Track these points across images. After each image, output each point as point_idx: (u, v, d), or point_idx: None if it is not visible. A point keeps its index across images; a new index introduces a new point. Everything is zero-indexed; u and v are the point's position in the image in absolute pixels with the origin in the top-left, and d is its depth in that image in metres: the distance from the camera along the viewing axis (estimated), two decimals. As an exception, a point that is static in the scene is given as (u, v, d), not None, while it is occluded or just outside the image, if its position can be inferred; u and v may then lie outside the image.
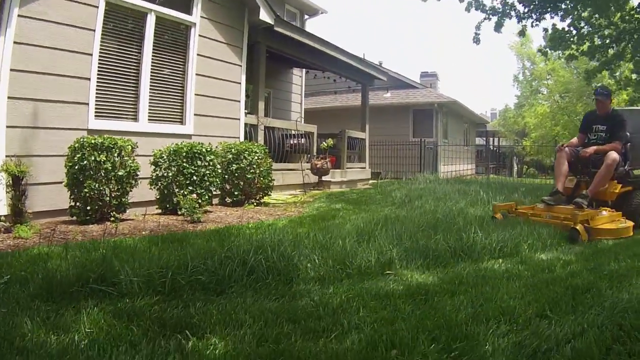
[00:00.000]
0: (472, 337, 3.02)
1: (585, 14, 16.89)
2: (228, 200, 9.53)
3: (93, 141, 6.90)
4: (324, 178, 14.22)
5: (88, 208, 6.89)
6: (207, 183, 8.32)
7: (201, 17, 10.00)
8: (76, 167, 6.77)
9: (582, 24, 17.40)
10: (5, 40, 6.79)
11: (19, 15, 6.94)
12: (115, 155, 7.04)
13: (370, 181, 18.45)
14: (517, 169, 39.14)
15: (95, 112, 8.01)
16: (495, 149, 40.39)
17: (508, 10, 17.20)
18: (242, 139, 11.06)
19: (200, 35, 9.99)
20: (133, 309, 3.37)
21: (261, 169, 9.62)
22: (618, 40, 17.33)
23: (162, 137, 8.95)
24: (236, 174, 9.39)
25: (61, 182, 6.99)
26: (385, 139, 24.04)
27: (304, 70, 19.66)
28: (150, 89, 9.03)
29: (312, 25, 41.51)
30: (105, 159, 6.87)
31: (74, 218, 7.04)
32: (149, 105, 9.00)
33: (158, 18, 9.14)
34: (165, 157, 8.06)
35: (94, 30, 7.93)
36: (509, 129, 42.69)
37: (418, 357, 2.77)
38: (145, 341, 2.89)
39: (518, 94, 44.75)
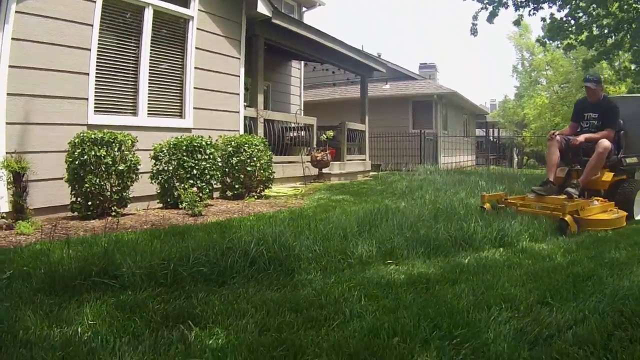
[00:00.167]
0: (473, 324, 3.04)
1: (583, 4, 16.86)
2: (229, 193, 9.53)
3: (93, 136, 6.91)
4: (324, 170, 14.23)
5: (89, 203, 6.90)
6: (208, 176, 8.33)
7: (199, 10, 9.98)
8: (76, 163, 6.78)
9: (581, 14, 17.37)
10: (3, 37, 6.78)
11: (16, 12, 6.93)
12: (116, 149, 7.05)
13: (371, 173, 18.46)
14: (517, 160, 39.14)
15: (95, 107, 8.01)
16: (495, 140, 40.33)
17: (505, 0, 17.16)
18: (241, 132, 11.05)
19: (198, 29, 9.97)
20: (135, 301, 3.38)
21: (261, 161, 9.62)
22: (617, 29, 17.29)
23: (162, 131, 8.95)
24: (236, 167, 9.39)
25: (62, 178, 7.00)
26: (385, 131, 24.05)
27: (302, 62, 19.62)
28: (149, 83, 9.02)
29: (310, 17, 41.41)
30: (105, 153, 6.87)
31: (75, 214, 7.06)
32: (148, 100, 8.99)
33: (156, 12, 9.12)
34: (165, 151, 8.07)
35: (92, 25, 7.91)
36: (509, 120, 42.59)
37: (420, 344, 2.78)
38: (148, 332, 2.90)
39: (517, 84, 44.69)
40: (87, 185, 6.76)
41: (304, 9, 20.34)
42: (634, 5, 16.52)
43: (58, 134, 7.33)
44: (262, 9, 11.19)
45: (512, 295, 3.61)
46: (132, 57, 8.81)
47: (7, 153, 6.65)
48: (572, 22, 17.48)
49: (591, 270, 4.39)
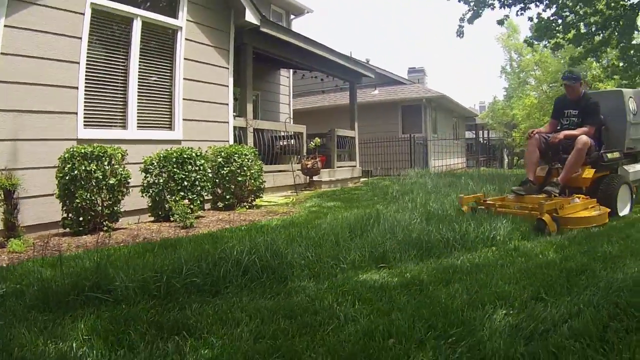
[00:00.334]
0: (468, 323, 3.05)
1: (569, 3, 16.94)
2: (220, 204, 9.51)
3: (83, 150, 6.88)
4: (315, 178, 14.24)
5: (80, 219, 6.87)
6: (199, 188, 8.31)
7: (187, 20, 10.00)
8: (67, 178, 6.75)
9: (567, 12, 17.45)
10: (-8, 52, 6.79)
11: (5, 26, 6.92)
12: (106, 163, 7.02)
13: (362, 179, 18.46)
14: (507, 161, 39.26)
15: (84, 121, 7.99)
16: (485, 141, 40.47)
17: (491, 1, 17.20)
18: (231, 142, 11.04)
19: (186, 39, 9.99)
20: (129, 314, 3.37)
21: (252, 171, 9.61)
22: (604, 27, 17.36)
23: (152, 143, 8.93)
24: (227, 178, 9.38)
25: (52, 194, 6.96)
26: (374, 137, 24.10)
27: (291, 70, 19.66)
28: (139, 95, 9.01)
29: (299, 25, 41.55)
30: (95, 168, 6.85)
31: (67, 230, 7.02)
32: (138, 112, 8.99)
33: (144, 23, 9.13)
34: (155, 164, 8.05)
35: (81, 38, 7.90)
36: (498, 121, 42.72)
37: (415, 344, 2.79)
38: (143, 344, 2.89)
39: (506, 85, 44.97)
40: (78, 200, 6.73)
41: (292, 16, 20.42)
42: (621, 2, 16.61)
43: (48, 150, 7.30)
44: (251, 17, 11.23)
45: (506, 293, 3.62)
46: (121, 69, 8.81)
47: (-3, 170, 6.63)
48: (560, 21, 17.55)
49: (584, 264, 4.41)
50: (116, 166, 7.15)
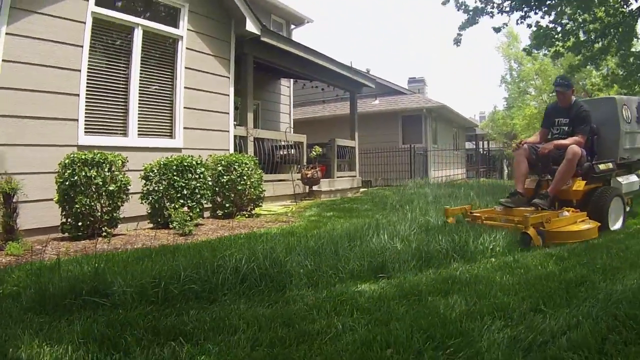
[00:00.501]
0: (467, 334, 3.04)
1: (568, 10, 16.95)
2: (219, 212, 9.51)
3: (83, 157, 6.90)
4: (314, 188, 14.23)
5: (79, 224, 6.88)
6: (198, 196, 8.31)
7: (188, 30, 10.03)
8: (67, 183, 6.76)
9: (566, 20, 17.45)
10: (-6, 59, 6.81)
11: (7, 34, 6.97)
12: (106, 170, 7.03)
13: (361, 189, 18.45)
14: (507, 172, 39.19)
15: (85, 128, 8.01)
16: (485, 152, 40.47)
17: (490, 9, 17.18)
18: (232, 150, 11.05)
19: (187, 48, 10.01)
20: (126, 319, 3.36)
21: (252, 180, 9.62)
22: (603, 34, 17.36)
23: (152, 151, 8.93)
24: (227, 186, 9.38)
25: (52, 199, 6.97)
26: (375, 147, 24.10)
27: (291, 80, 19.68)
28: (139, 103, 9.03)
29: (299, 35, 41.63)
30: (95, 174, 6.86)
31: (66, 234, 7.03)
32: (139, 120, 9.01)
33: (145, 32, 9.16)
34: (155, 171, 8.06)
35: (82, 47, 7.94)
36: (498, 131, 42.77)
37: (413, 354, 2.78)
38: (139, 349, 2.89)
39: (506, 95, 44.99)
40: (77, 205, 6.74)
41: (292, 26, 20.45)
42: (620, 9, 16.63)
43: (48, 155, 7.30)
44: (251, 27, 11.26)
45: (505, 304, 3.60)
46: (122, 77, 8.83)
47: (-3, 174, 6.64)
48: (559, 29, 17.55)
49: (583, 276, 4.40)
50: (116, 173, 7.15)
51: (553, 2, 16.64)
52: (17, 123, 7.12)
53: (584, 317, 3.24)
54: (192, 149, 9.55)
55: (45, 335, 3.09)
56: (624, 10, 16.77)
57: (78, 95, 7.88)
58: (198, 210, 8.32)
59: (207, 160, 9.20)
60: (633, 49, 19.01)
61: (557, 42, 17.99)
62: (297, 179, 13.85)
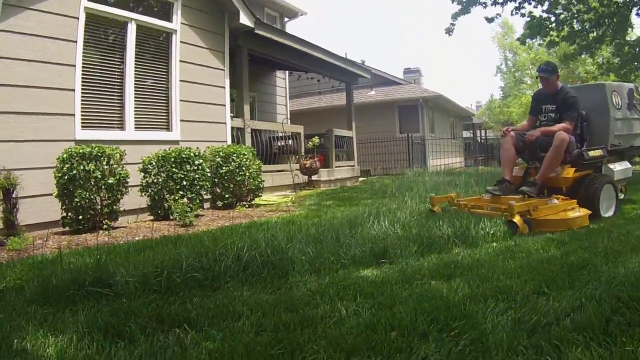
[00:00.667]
0: (471, 316, 3.04)
1: (563, 0, 16.96)
2: (219, 203, 9.51)
3: (81, 151, 6.89)
4: (313, 177, 14.23)
5: (80, 217, 6.88)
6: (198, 187, 8.31)
7: (182, 23, 10.00)
8: (66, 178, 6.76)
9: (561, 10, 17.47)
10: (-14, 56, 6.79)
11: (0, 30, 6.94)
12: (104, 163, 7.03)
13: (360, 178, 18.46)
14: (505, 160, 39.13)
15: (82, 122, 7.99)
16: (482, 141, 40.44)
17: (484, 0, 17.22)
18: (229, 142, 11.04)
19: (181, 42, 9.99)
20: (130, 308, 3.36)
21: (250, 170, 9.61)
22: (598, 24, 17.38)
23: (150, 144, 8.92)
24: (226, 177, 9.38)
25: (51, 194, 6.97)
26: (372, 137, 24.11)
27: (287, 72, 19.65)
28: (135, 97, 9.02)
29: (293, 28, 41.56)
30: (94, 167, 6.85)
31: (67, 228, 7.04)
32: (135, 114, 8.99)
33: (139, 27, 9.14)
34: (154, 164, 8.05)
35: (76, 42, 7.91)
36: (495, 120, 42.83)
37: (418, 337, 2.78)
38: (143, 337, 2.89)
39: (502, 85, 45.04)
40: (77, 199, 6.74)
41: (286, 19, 20.37)
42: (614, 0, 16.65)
43: (46, 150, 7.29)
44: (245, 20, 11.23)
45: (508, 287, 3.60)
46: (117, 72, 8.82)
47: (-4, 170, 6.63)
48: (553, 19, 17.56)
49: (586, 259, 4.40)
50: (115, 166, 7.15)
51: None
52: (14, 119, 7.10)
53: (587, 299, 3.24)
54: (190, 141, 9.53)
55: (50, 326, 3.09)
56: (617, 0, 16.78)
57: (73, 90, 7.85)
58: (198, 201, 8.31)
59: (205, 152, 9.19)
60: (628, 38, 19.02)
61: (551, 32, 17.99)
62: (296, 169, 13.85)
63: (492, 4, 17.36)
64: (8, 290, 3.88)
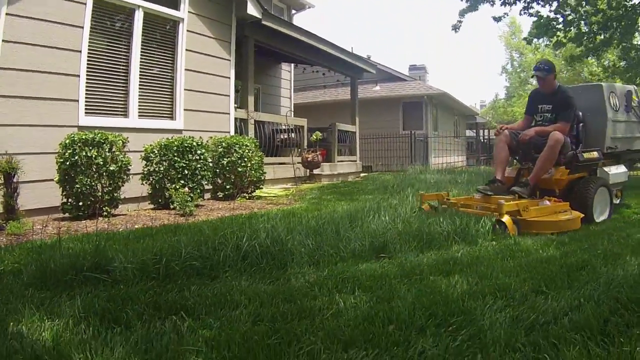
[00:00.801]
0: (469, 312, 3.03)
1: (572, 2, 16.93)
2: (220, 194, 9.50)
3: (84, 137, 6.89)
4: (315, 171, 14.23)
5: (80, 204, 6.88)
6: (199, 177, 8.31)
7: (189, 12, 9.98)
8: (67, 163, 6.75)
9: (569, 12, 17.43)
10: (-7, 39, 6.78)
11: (7, 14, 6.93)
12: (107, 150, 7.02)
13: (362, 174, 18.48)
14: (508, 160, 39.12)
15: (86, 108, 7.99)
16: (485, 140, 40.43)
17: None
18: (232, 133, 11.03)
19: (188, 31, 9.97)
20: (127, 294, 3.36)
21: (252, 162, 9.59)
22: (605, 27, 17.34)
23: (153, 132, 8.92)
24: (227, 168, 9.37)
25: (52, 179, 6.96)
26: (375, 132, 24.09)
27: (292, 64, 19.66)
28: (140, 84, 9.01)
29: (300, 20, 41.57)
30: (96, 154, 6.85)
31: (67, 214, 7.03)
32: (139, 101, 8.99)
33: (146, 14, 9.11)
34: (156, 152, 8.05)
35: (82, 28, 7.91)
36: (499, 120, 42.79)
37: (416, 331, 2.77)
38: (140, 323, 2.88)
39: (507, 84, 45.02)
40: (78, 185, 6.74)
41: (293, 11, 20.38)
42: (623, 2, 16.59)
43: (49, 136, 7.29)
44: (252, 10, 11.20)
45: (506, 285, 3.60)
46: (123, 59, 8.80)
47: (-3, 154, 6.63)
48: (560, 19, 17.53)
49: (585, 260, 4.40)
50: (117, 153, 7.14)
51: None
52: (18, 103, 7.10)
53: (586, 299, 3.24)
54: (193, 131, 9.52)
55: (46, 310, 3.09)
56: (626, 3, 16.74)
57: (78, 76, 7.85)
58: (199, 191, 8.31)
59: (207, 141, 9.17)
60: (635, 42, 18.99)
61: (558, 33, 17.96)
62: (298, 163, 13.86)
63: (501, 4, 17.34)
64: (6, 273, 3.87)
